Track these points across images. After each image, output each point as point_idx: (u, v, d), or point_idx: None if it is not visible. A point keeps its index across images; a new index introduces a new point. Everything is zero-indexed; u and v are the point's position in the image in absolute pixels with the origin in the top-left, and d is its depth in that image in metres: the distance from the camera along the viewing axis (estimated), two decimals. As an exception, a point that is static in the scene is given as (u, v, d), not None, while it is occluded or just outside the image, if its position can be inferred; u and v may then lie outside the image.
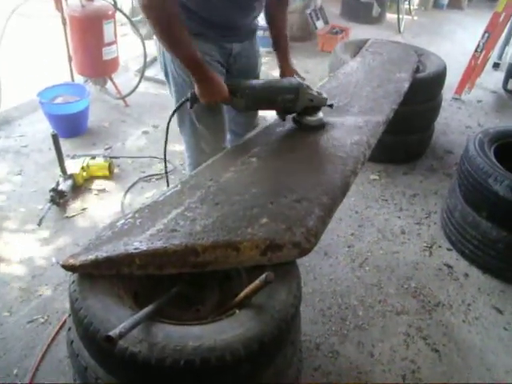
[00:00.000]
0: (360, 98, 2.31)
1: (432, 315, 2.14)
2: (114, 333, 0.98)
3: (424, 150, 3.49)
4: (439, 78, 3.13)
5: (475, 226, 2.39)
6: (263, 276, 1.13)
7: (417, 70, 3.04)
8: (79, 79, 3.86)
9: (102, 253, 1.24)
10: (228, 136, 2.12)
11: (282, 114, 1.87)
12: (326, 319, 2.07)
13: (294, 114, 1.89)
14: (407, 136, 3.21)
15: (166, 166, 1.93)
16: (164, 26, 1.55)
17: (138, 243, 1.26)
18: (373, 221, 2.73)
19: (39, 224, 2.48)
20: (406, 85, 2.61)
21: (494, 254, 2.35)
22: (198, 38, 1.72)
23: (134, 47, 4.55)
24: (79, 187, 2.83)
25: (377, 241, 2.58)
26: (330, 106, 1.89)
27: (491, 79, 4.90)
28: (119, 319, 1.09)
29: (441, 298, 2.23)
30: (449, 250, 2.55)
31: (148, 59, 3.91)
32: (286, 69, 2.02)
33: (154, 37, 1.80)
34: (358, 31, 5.81)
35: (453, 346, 2.01)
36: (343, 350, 1.94)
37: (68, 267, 1.24)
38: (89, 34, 3.42)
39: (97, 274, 1.23)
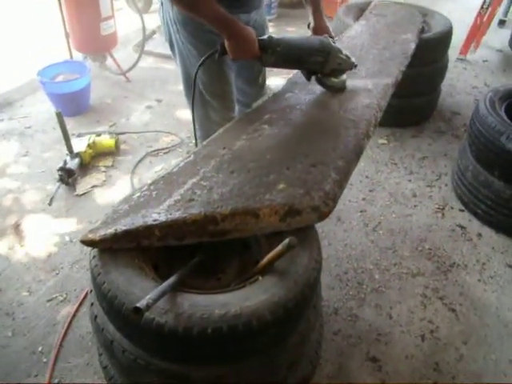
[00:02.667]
0: (367, 61, 2.26)
1: (447, 276, 2.15)
2: (141, 304, 0.97)
3: (431, 112, 3.45)
4: (445, 38, 3.06)
5: (487, 185, 2.38)
6: (286, 241, 1.12)
7: (422, 31, 2.97)
8: (78, 56, 3.79)
9: (121, 226, 1.23)
10: (236, 107, 2.09)
11: (308, 74, 1.84)
12: (343, 284, 2.08)
13: (318, 75, 1.85)
14: (414, 99, 3.17)
15: (194, 124, 1.87)
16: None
17: (157, 215, 1.25)
18: (384, 185, 2.72)
19: (50, 204, 2.48)
20: (413, 46, 2.55)
21: (507, 213, 2.34)
22: None
23: (131, 21, 4.47)
24: (87, 165, 2.82)
25: (389, 204, 2.57)
26: (355, 66, 1.88)
27: (497, 37, 4.80)
28: (143, 291, 1.09)
29: (455, 259, 2.24)
30: (461, 210, 2.55)
31: (146, 33, 3.84)
32: (318, 26, 1.92)
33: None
34: (358, -6, 5.67)
35: (469, 304, 2.02)
36: (362, 313, 1.95)
37: (87, 242, 1.24)
38: (85, 8, 3.34)
39: (117, 247, 1.23)
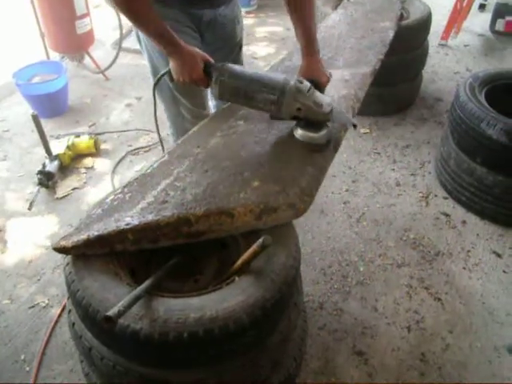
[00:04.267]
0: (344, 50, 2.24)
1: (432, 265, 2.14)
2: (112, 312, 0.95)
3: (413, 99, 3.43)
4: (424, 24, 3.05)
5: (470, 172, 2.37)
6: (260, 240, 1.10)
7: (401, 18, 2.95)
8: (55, 56, 3.73)
9: (94, 232, 1.20)
10: (214, 102, 2.06)
11: (270, 117, 1.52)
12: (327, 278, 2.07)
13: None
14: (395, 86, 3.15)
15: (160, 138, 1.84)
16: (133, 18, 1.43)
17: (130, 218, 1.22)
18: (367, 175, 2.71)
19: (30, 208, 2.44)
20: (391, 34, 2.53)
21: (490, 200, 2.34)
22: (162, 5, 1.61)
23: (109, 19, 4.39)
24: (66, 167, 2.77)
25: (372, 195, 2.56)
26: (354, 126, 1.55)
27: (478, 22, 4.79)
28: (118, 297, 1.07)
29: (440, 247, 2.23)
30: (445, 198, 2.54)
31: (124, 30, 3.79)
32: (306, 67, 1.60)
33: None
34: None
35: (455, 293, 2.02)
36: (347, 306, 1.94)
37: (60, 250, 1.21)
38: (59, 7, 3.28)
39: (90, 253, 1.20)
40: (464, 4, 4.19)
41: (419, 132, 3.11)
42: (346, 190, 2.58)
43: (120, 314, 0.97)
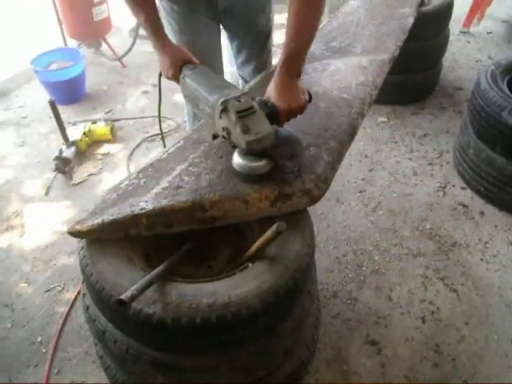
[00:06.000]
0: (363, 37, 2.20)
1: (449, 256, 2.11)
2: (125, 296, 0.95)
3: (432, 88, 3.37)
4: (445, 10, 2.98)
5: (489, 162, 2.32)
6: (274, 226, 1.09)
7: (421, 4, 2.88)
8: (72, 43, 3.75)
9: (108, 216, 1.21)
10: (240, 81, 2.07)
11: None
12: (342, 266, 2.06)
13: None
14: (414, 74, 3.10)
15: (161, 128, 1.85)
16: None
17: (144, 203, 1.22)
18: (383, 164, 2.67)
19: (46, 193, 2.47)
20: (411, 20, 2.48)
21: (510, 190, 2.29)
22: None
23: (126, 6, 4.38)
24: (83, 153, 2.79)
25: (389, 184, 2.53)
26: (271, 164, 1.24)
27: (502, 8, 4.65)
28: (131, 281, 1.07)
29: (457, 238, 2.20)
30: (463, 188, 2.50)
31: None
32: (270, 89, 1.29)
33: None
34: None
35: (471, 284, 1.99)
36: (361, 295, 1.93)
37: (75, 234, 1.22)
38: (76, -7, 3.29)
39: (105, 237, 1.21)
40: (488, -10, 4.09)
41: (438, 121, 3.05)
42: (363, 179, 2.56)
43: (133, 297, 0.98)
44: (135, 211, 1.20)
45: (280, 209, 1.24)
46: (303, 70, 1.81)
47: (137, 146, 2.87)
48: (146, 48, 4.04)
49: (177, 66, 1.41)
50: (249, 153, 1.20)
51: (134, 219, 1.19)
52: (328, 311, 1.86)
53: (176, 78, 1.43)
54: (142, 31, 3.92)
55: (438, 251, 2.13)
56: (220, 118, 1.17)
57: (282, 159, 1.27)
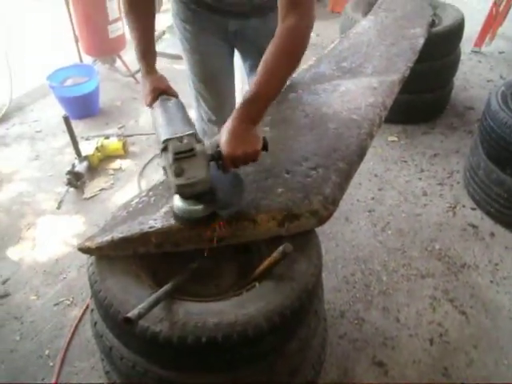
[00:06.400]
0: (373, 57, 2.22)
1: (458, 277, 2.10)
2: (132, 314, 0.97)
3: (443, 107, 3.38)
4: (456, 30, 2.99)
5: (500, 183, 2.31)
6: (281, 248, 1.10)
7: (432, 24, 2.91)
8: (88, 59, 3.82)
9: (118, 233, 1.23)
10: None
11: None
12: (349, 286, 2.05)
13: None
14: (425, 94, 3.11)
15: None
16: (125, 10, 1.45)
17: (153, 221, 1.24)
18: (393, 183, 2.67)
19: (58, 207, 2.50)
20: (421, 41, 2.50)
21: (520, 212, 2.28)
22: (189, 9, 1.67)
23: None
24: (95, 168, 2.83)
25: (398, 204, 2.52)
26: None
27: (514, 28, 4.66)
28: (138, 299, 1.08)
29: (466, 259, 2.19)
30: (473, 209, 2.49)
31: (156, 33, 3.84)
32: (221, 133, 1.19)
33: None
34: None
35: (480, 307, 1.97)
36: (368, 316, 1.92)
37: (85, 250, 1.25)
38: (92, 11, 3.36)
39: (114, 255, 1.23)
40: (500, 9, 4.09)
41: (448, 141, 3.05)
42: (372, 198, 2.56)
43: (140, 316, 0.99)
44: (144, 229, 1.22)
45: (288, 229, 1.25)
46: (314, 91, 1.84)
47: (148, 162, 2.90)
48: (160, 64, 4.10)
49: (153, 95, 1.38)
50: (181, 196, 1.17)
51: (143, 237, 1.21)
52: (335, 331, 1.85)
53: (151, 106, 1.40)
54: (157, 48, 4.00)
55: (447, 272, 2.12)
56: (161, 156, 1.13)
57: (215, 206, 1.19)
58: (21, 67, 3.80)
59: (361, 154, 1.54)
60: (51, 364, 1.79)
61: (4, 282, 2.13)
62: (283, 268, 1.18)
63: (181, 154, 1.07)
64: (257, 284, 1.18)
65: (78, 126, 3.18)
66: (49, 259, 2.24)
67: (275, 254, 1.12)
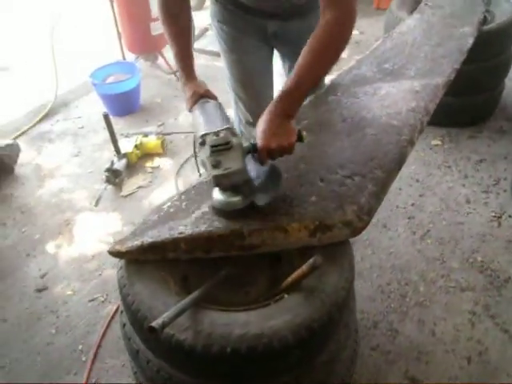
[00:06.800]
0: (417, 59, 2.13)
1: (501, 292, 2.00)
2: (156, 323, 0.96)
3: (492, 110, 3.22)
4: (510, 28, 2.82)
5: (550, 192, 2.19)
6: (311, 260, 1.07)
7: (484, 22, 2.77)
8: (130, 56, 3.88)
9: (148, 238, 1.23)
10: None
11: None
12: (384, 296, 1.99)
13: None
14: (473, 96, 2.97)
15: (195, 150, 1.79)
16: (161, 19, 1.48)
17: (183, 227, 1.23)
18: (435, 190, 2.57)
19: (96, 205, 2.55)
20: (470, 41, 2.38)
21: None
22: (228, 12, 1.67)
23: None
24: (133, 165, 2.87)
25: (439, 211, 2.43)
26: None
27: None
28: (166, 306, 1.08)
29: (511, 273, 2.07)
30: (520, 219, 2.37)
31: (197, 31, 3.86)
32: (257, 126, 1.21)
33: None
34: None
35: (525, 325, 1.87)
36: (403, 328, 1.86)
37: (115, 254, 1.26)
38: (135, 9, 3.43)
39: (143, 259, 1.23)
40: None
41: (496, 146, 2.91)
42: (412, 205, 2.47)
43: (164, 325, 0.98)
44: (174, 235, 1.21)
45: (320, 240, 1.21)
46: (354, 94, 1.79)
47: (186, 161, 2.91)
48: (201, 62, 4.13)
49: (194, 99, 1.42)
50: (219, 187, 1.21)
51: (173, 243, 1.21)
52: (367, 342, 1.80)
53: (191, 110, 1.44)
54: (198, 45, 4.03)
55: (489, 286, 2.02)
56: (199, 151, 1.19)
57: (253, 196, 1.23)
58: (68, 64, 3.90)
59: (400, 161, 1.48)
60: (84, 359, 1.84)
61: (43, 276, 2.19)
62: (313, 280, 1.14)
63: (217, 146, 1.13)
64: (285, 295, 1.15)
65: (119, 123, 3.24)
66: (85, 255, 2.29)
67: (304, 267, 1.08)
